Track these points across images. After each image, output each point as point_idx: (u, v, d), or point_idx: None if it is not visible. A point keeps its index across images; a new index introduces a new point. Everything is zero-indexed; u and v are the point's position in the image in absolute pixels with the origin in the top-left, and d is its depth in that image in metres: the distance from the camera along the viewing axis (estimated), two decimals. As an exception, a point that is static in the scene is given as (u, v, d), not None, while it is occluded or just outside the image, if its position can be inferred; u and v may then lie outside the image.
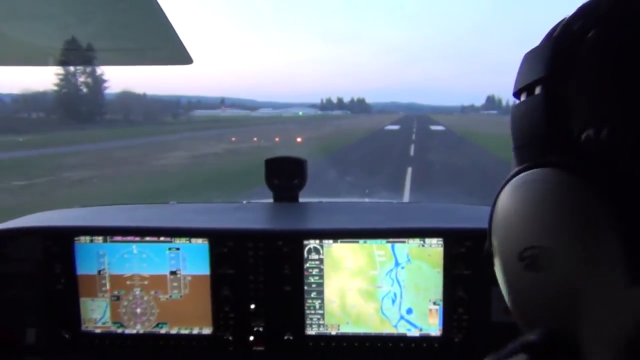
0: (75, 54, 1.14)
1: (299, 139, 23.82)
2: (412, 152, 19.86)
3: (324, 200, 1.73)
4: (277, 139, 24.87)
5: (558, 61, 0.41)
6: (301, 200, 1.63)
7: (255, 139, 25.44)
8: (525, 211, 0.43)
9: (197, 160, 16.30)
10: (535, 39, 0.44)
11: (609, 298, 0.38)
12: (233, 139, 25.39)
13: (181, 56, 1.05)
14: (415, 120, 64.75)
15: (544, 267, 0.41)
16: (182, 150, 19.13)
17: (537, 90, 0.43)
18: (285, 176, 1.60)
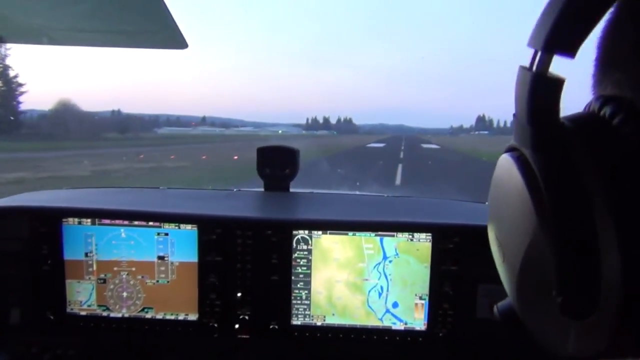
0: (69, 34, 1.12)
1: (235, 157, 19.69)
2: (398, 180, 13.76)
3: (315, 191, 1.73)
4: (203, 157, 20.84)
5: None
6: (292, 190, 1.63)
7: (172, 157, 20.79)
8: (490, 194, 0.42)
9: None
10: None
11: (542, 315, 0.35)
12: (141, 156, 20.87)
13: (176, 40, 1.04)
14: (404, 139, 58.06)
15: (503, 258, 0.40)
16: (28, 172, 12.74)
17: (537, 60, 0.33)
18: (276, 165, 1.59)
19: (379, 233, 1.24)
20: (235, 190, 1.68)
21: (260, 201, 1.56)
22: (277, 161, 1.60)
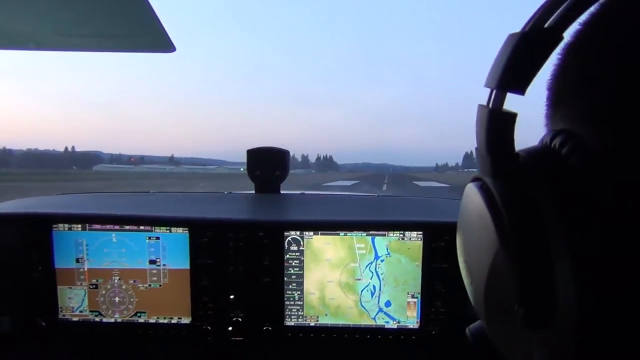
0: (56, 39, 1.12)
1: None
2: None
3: (306, 192, 1.73)
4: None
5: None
6: (282, 192, 1.63)
7: None
8: (459, 220, 0.45)
9: None
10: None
11: (508, 333, 0.38)
12: None
13: (162, 43, 1.04)
14: (387, 176, 50.03)
15: (470, 280, 0.42)
16: None
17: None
18: (267, 167, 1.60)
19: (370, 232, 1.25)
20: (225, 192, 1.68)
21: (251, 203, 1.56)
22: (267, 163, 1.60)
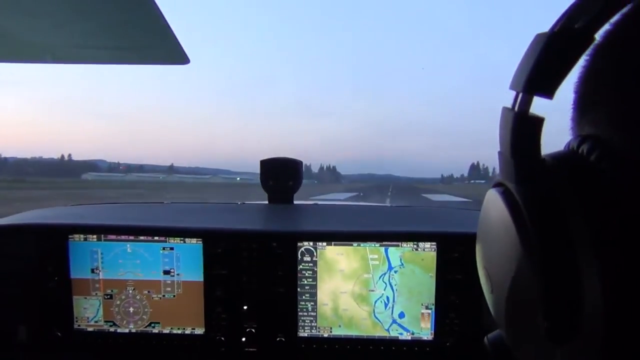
0: (72, 51, 1.14)
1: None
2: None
3: (319, 202, 1.73)
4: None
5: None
6: (296, 202, 1.63)
7: None
8: (479, 227, 0.44)
9: None
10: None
11: (529, 343, 0.37)
12: None
13: (177, 55, 1.05)
14: (391, 187, 46.13)
15: (491, 288, 0.41)
16: None
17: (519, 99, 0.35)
18: (280, 177, 1.60)
19: (384, 243, 1.24)
20: (239, 203, 1.69)
21: (265, 213, 1.56)
22: (280, 173, 1.60)
